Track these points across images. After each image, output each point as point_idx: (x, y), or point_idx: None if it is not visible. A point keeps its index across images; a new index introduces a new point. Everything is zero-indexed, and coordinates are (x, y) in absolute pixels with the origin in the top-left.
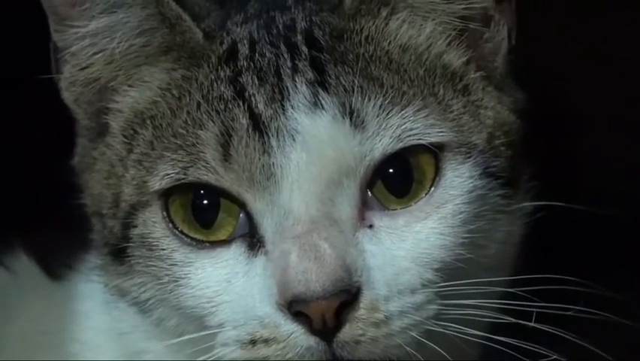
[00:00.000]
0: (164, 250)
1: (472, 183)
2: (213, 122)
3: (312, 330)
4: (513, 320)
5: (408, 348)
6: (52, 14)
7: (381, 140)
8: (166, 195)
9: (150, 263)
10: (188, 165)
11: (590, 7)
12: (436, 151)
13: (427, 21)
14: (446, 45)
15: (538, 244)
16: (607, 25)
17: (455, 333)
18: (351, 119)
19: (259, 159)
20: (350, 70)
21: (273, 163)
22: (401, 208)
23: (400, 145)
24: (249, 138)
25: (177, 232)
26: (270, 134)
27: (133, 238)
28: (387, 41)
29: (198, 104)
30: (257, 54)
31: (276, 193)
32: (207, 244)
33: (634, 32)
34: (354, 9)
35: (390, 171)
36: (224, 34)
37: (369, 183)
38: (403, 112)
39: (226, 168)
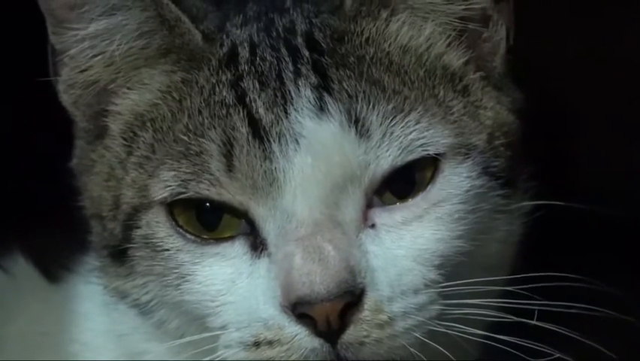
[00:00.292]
0: (168, 249)
1: (470, 182)
2: (215, 129)
3: (317, 332)
4: (515, 318)
5: (411, 349)
6: (50, 17)
7: (387, 150)
8: (169, 205)
9: (154, 263)
10: (191, 177)
11: (588, 8)
12: (438, 158)
13: (427, 22)
14: (446, 46)
15: (537, 244)
16: (606, 26)
17: (458, 333)
18: (356, 127)
19: (261, 165)
20: (352, 73)
21: (275, 168)
22: (399, 203)
23: (409, 158)
24: (250, 146)
25: (181, 231)
26: (271, 140)
27: (135, 239)
28: (388, 43)
29: (200, 109)
30: (258, 58)
31: (278, 198)
32: (212, 240)
33: (633, 32)
34: (354, 11)
35: (395, 178)
36: (224, 37)
37: (375, 191)
38: (407, 119)
39: (230, 178)
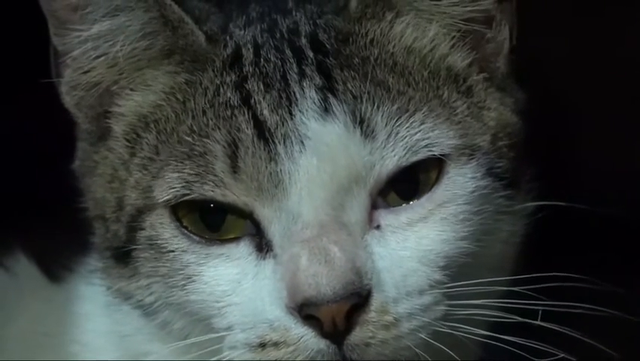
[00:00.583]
0: (173, 250)
1: (474, 183)
2: (220, 130)
3: (323, 333)
4: (519, 318)
5: (416, 349)
6: (53, 18)
7: (392, 151)
8: (173, 206)
9: (159, 265)
10: (195, 179)
11: (590, 8)
12: (443, 159)
13: (432, 23)
14: (450, 47)
15: (540, 244)
16: (608, 26)
17: (462, 333)
18: (361, 128)
19: (266, 167)
20: (356, 75)
21: (281, 170)
22: (404, 204)
23: (414, 158)
24: (255, 147)
25: (186, 232)
26: (276, 142)
27: (139, 241)
28: (392, 44)
29: (204, 110)
30: (262, 59)
31: (284, 199)
32: (217, 241)
33: (635, 32)
34: (359, 12)
35: (400, 179)
36: (227, 38)
37: (380, 191)
38: (412, 120)
39: (235, 180)
